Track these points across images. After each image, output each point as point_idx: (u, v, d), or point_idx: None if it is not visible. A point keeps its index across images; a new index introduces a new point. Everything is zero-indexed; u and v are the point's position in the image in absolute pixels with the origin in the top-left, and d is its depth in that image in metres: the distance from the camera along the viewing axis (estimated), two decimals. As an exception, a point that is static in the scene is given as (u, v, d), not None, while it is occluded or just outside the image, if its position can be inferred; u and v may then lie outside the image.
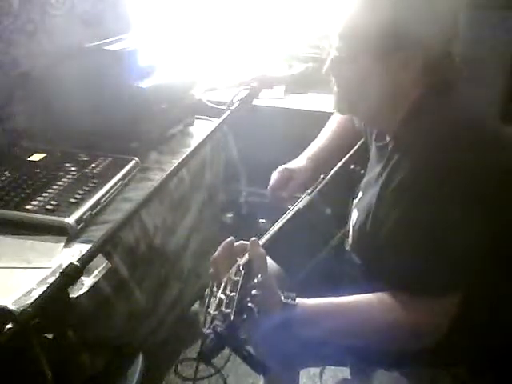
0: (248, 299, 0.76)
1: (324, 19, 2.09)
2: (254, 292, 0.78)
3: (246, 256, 0.88)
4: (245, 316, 0.74)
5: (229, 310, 0.72)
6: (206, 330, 0.71)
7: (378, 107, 0.98)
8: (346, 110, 1.09)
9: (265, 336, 0.84)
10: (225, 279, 0.82)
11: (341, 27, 0.95)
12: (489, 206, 0.85)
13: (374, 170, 1.06)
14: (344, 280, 1.06)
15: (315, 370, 1.70)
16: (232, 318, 0.71)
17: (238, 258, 0.90)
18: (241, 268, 0.82)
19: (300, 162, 1.36)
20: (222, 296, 0.76)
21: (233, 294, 0.75)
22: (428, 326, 0.88)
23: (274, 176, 1.34)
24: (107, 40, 1.57)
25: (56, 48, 1.58)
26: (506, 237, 0.88)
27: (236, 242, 0.97)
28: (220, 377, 1.75)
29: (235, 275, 0.81)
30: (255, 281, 0.81)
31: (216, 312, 0.73)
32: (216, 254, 0.95)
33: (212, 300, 0.79)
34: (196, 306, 1.97)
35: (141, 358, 1.51)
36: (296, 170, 1.33)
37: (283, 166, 1.34)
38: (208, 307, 0.78)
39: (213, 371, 1.69)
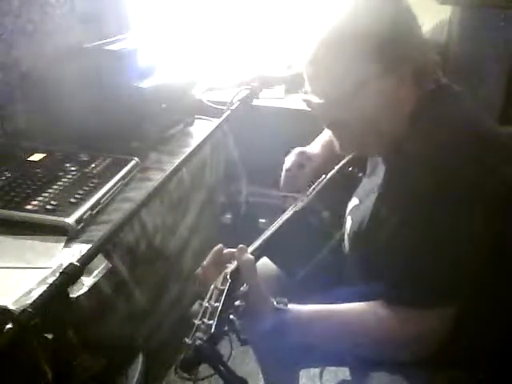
0: (231, 310, 0.76)
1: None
2: (237, 303, 0.78)
3: (235, 263, 0.88)
4: (226, 328, 0.74)
5: (211, 322, 0.72)
6: (187, 340, 0.71)
7: (382, 134, 0.95)
8: (355, 152, 1.09)
9: (261, 339, 0.84)
10: (212, 287, 0.81)
11: (330, 59, 0.90)
12: (490, 212, 0.84)
13: (373, 177, 1.05)
14: (342, 282, 1.05)
15: (315, 370, 1.69)
16: (213, 329, 0.70)
17: (228, 265, 0.90)
18: (228, 276, 0.82)
19: (314, 148, 1.34)
20: (207, 305, 0.76)
21: (216, 304, 0.75)
22: (425, 337, 0.87)
23: (290, 158, 1.30)
24: (107, 40, 1.57)
25: (56, 48, 1.58)
26: (506, 241, 0.87)
27: (232, 246, 0.96)
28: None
29: (222, 284, 0.80)
30: (241, 289, 0.81)
31: (200, 322, 0.73)
32: (205, 262, 0.94)
33: (199, 308, 0.79)
34: (196, 306, 1.97)
35: (141, 358, 1.51)
36: (312, 154, 1.31)
37: (299, 149, 1.31)
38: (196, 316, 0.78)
39: (213, 371, 1.69)
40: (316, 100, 0.92)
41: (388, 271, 0.91)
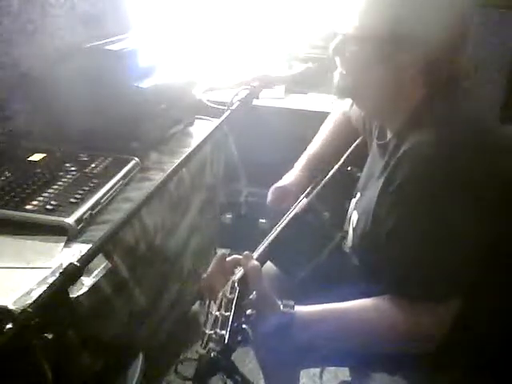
0: (243, 319, 0.75)
1: (324, 19, 2.09)
2: (248, 312, 0.78)
3: (242, 270, 0.88)
4: (239, 338, 0.73)
5: (223, 332, 0.71)
6: (200, 351, 0.70)
7: (379, 100, 0.99)
8: (346, 92, 1.07)
9: (265, 340, 0.84)
10: (220, 296, 0.81)
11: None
12: (489, 209, 0.84)
13: (374, 168, 1.05)
14: (343, 282, 1.06)
15: (315, 370, 1.70)
16: (226, 340, 0.70)
17: (235, 270, 0.90)
18: (236, 284, 0.82)
19: (292, 174, 1.36)
20: (218, 314, 0.76)
21: (227, 313, 0.75)
22: (428, 330, 0.88)
23: (269, 196, 1.35)
24: (107, 40, 1.57)
25: (56, 48, 1.58)
26: (505, 240, 0.88)
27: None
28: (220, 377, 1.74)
29: (230, 293, 0.80)
30: (250, 297, 0.81)
31: (212, 331, 0.72)
32: (209, 269, 0.94)
33: (209, 317, 0.79)
34: (196, 305, 1.97)
35: (141, 358, 1.51)
36: (287, 186, 1.33)
37: (274, 186, 1.36)
38: (205, 325, 0.77)
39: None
40: (342, 31, 0.97)
41: (390, 266, 0.91)
